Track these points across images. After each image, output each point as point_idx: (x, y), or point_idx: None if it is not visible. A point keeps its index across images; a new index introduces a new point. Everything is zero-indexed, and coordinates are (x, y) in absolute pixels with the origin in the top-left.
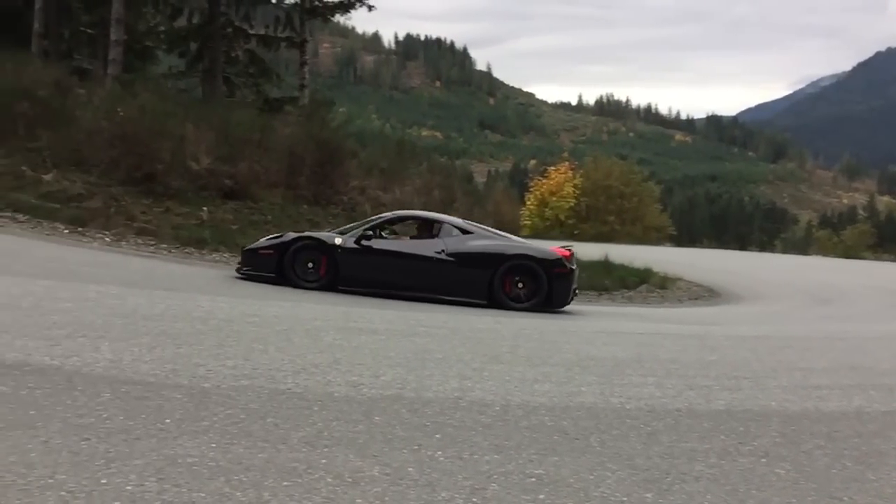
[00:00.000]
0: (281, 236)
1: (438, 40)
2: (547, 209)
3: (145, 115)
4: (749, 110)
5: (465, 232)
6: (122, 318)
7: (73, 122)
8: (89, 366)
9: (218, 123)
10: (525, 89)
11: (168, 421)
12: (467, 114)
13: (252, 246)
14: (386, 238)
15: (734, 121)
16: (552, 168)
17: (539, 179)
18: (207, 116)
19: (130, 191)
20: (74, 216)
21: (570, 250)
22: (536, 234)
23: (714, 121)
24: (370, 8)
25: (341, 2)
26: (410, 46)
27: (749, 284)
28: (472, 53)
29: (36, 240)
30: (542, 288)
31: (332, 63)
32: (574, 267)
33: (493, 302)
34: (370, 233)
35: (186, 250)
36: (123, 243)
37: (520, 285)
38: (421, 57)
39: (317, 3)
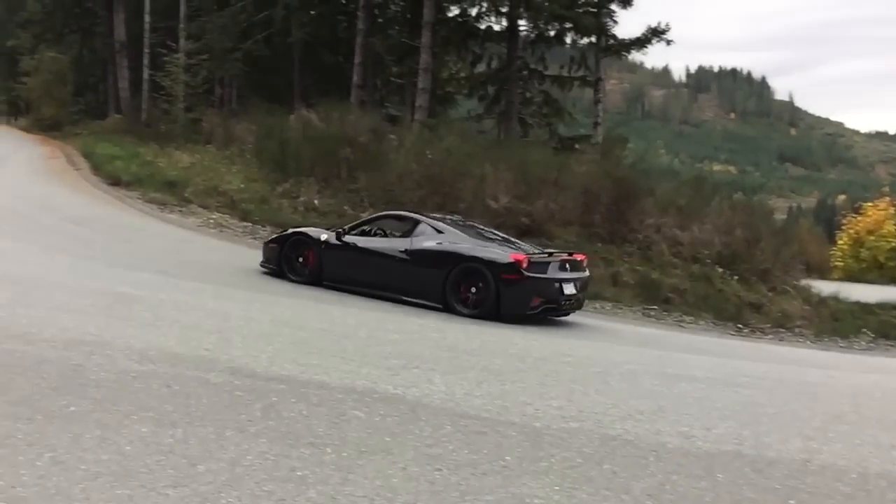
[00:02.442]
0: (286, 230)
1: (734, 70)
2: (863, 249)
3: (450, 157)
4: None
5: (438, 232)
6: (447, 352)
7: (386, 165)
8: (427, 397)
9: (515, 163)
10: (832, 118)
11: (509, 458)
12: (765, 146)
13: (267, 239)
14: (368, 237)
15: None
16: (868, 204)
17: (853, 217)
18: (505, 156)
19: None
20: None
21: (542, 256)
22: (851, 276)
23: None
24: (668, 42)
25: (638, 38)
26: (702, 78)
27: None
28: (771, 82)
29: None
30: (490, 294)
31: (619, 99)
32: (537, 275)
33: (446, 306)
34: (344, 229)
35: None
36: None
37: (472, 290)
38: (714, 89)
39: (612, 41)
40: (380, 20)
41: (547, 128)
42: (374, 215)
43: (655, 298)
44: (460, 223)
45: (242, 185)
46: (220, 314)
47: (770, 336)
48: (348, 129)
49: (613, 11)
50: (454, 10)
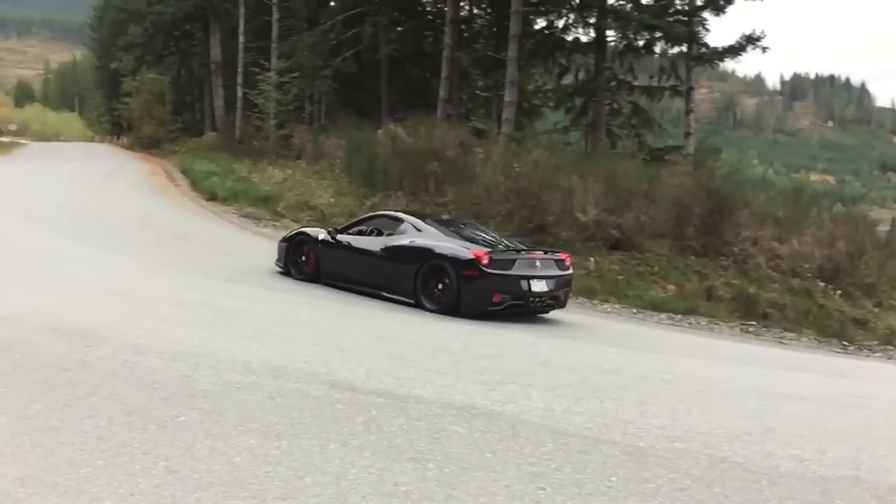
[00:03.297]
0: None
1: (831, 77)
2: None
3: (537, 170)
4: None
5: (417, 230)
6: (542, 367)
7: (473, 179)
8: (526, 413)
9: (604, 175)
10: None
11: (614, 479)
12: (865, 155)
13: (280, 239)
14: (358, 236)
15: None
16: None
17: None
18: (593, 169)
19: (524, 241)
20: None
21: (507, 253)
22: None
23: None
24: (764, 49)
25: (732, 46)
26: (798, 85)
27: None
28: (872, 89)
29: None
30: (452, 290)
31: (709, 108)
32: (499, 272)
33: (416, 302)
34: (336, 228)
35: (579, 300)
36: None
37: (439, 286)
38: (810, 96)
39: (704, 49)
40: (466, 34)
41: (636, 139)
42: (367, 215)
43: (753, 314)
44: (447, 222)
45: (332, 200)
46: (317, 327)
47: (878, 354)
48: (436, 143)
49: (705, 19)
50: (541, 23)
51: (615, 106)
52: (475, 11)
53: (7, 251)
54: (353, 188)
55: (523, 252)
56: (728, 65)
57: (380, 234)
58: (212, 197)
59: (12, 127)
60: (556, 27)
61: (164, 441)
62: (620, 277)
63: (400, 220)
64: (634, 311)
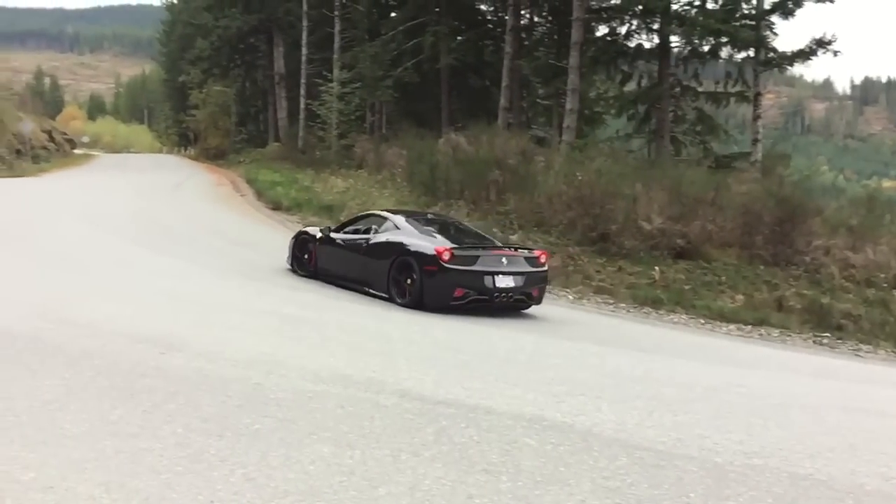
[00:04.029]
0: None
1: None
2: None
3: (600, 178)
4: None
5: (397, 228)
6: (610, 378)
7: (535, 187)
8: (598, 426)
9: (668, 183)
10: None
11: (692, 495)
12: None
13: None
14: (349, 234)
15: None
16: None
17: None
18: (658, 176)
19: (586, 250)
20: None
21: (470, 250)
22: None
23: None
24: (835, 53)
25: (801, 50)
26: (869, 90)
27: None
28: None
29: None
30: (416, 284)
31: (776, 114)
32: (460, 267)
33: (389, 296)
34: (330, 227)
35: (644, 310)
36: (584, 301)
37: (408, 281)
38: (882, 100)
39: (771, 54)
40: (526, 43)
41: (701, 146)
42: (360, 214)
43: (827, 325)
44: (429, 220)
45: (394, 209)
46: (382, 336)
47: None
48: (497, 151)
49: (773, 23)
50: (602, 30)
51: (679, 112)
52: (536, 19)
53: (83, 260)
54: (414, 197)
55: (490, 248)
56: (796, 69)
57: (367, 232)
58: (276, 206)
59: (85, 139)
60: (619, 34)
61: (239, 449)
62: (686, 287)
63: (384, 219)
64: (702, 321)
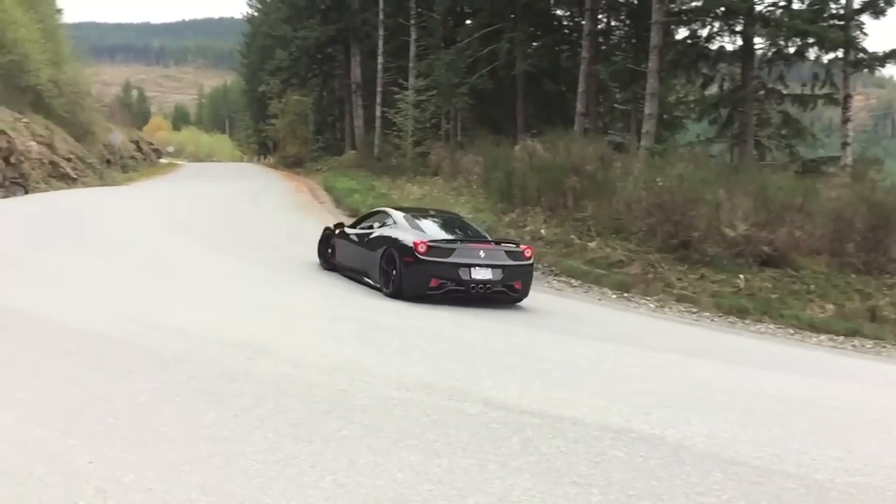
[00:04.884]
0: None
1: None
2: None
3: (681, 184)
4: None
5: (394, 222)
6: (699, 390)
7: (613, 193)
8: (689, 439)
9: (753, 188)
10: None
11: None
12: None
13: None
14: (359, 229)
15: None
16: None
17: None
18: (742, 182)
19: (667, 257)
20: (619, 282)
21: (447, 242)
22: None
23: None
24: None
25: (893, 50)
26: None
27: None
28: None
29: (590, 303)
30: (397, 275)
31: (865, 116)
32: (435, 259)
33: (379, 286)
34: (342, 223)
35: (729, 319)
36: (666, 309)
37: (394, 272)
38: None
39: (861, 55)
40: (603, 47)
41: (786, 150)
42: (370, 211)
43: None
44: (427, 216)
45: (470, 216)
46: (463, 343)
47: None
48: (574, 157)
49: (863, 23)
50: (683, 32)
51: (764, 116)
52: (613, 23)
53: (171, 266)
54: (490, 204)
55: (471, 242)
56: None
57: (374, 227)
58: (354, 213)
59: (170, 149)
60: (700, 36)
61: (328, 454)
62: (773, 296)
63: (388, 215)
64: (791, 331)
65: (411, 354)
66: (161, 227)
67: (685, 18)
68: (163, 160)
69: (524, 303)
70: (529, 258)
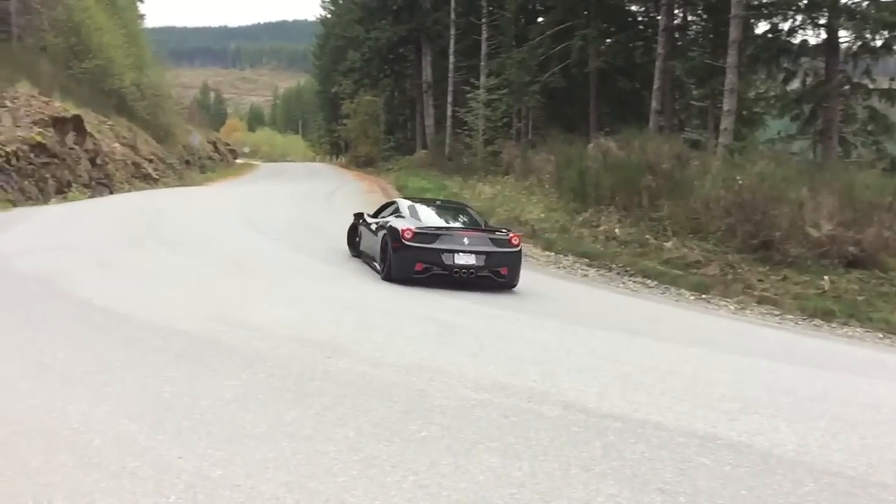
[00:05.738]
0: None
1: None
2: None
3: (762, 182)
4: None
5: (399, 211)
6: (786, 396)
7: (690, 192)
8: (778, 447)
9: (839, 186)
10: None
11: None
12: None
13: None
14: (376, 218)
15: None
16: None
17: None
18: (826, 180)
19: (746, 258)
20: (696, 283)
21: (432, 229)
22: None
23: None
24: None
25: None
26: None
27: None
28: None
29: (667, 305)
30: (387, 259)
31: None
32: (420, 245)
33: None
34: (363, 212)
35: (814, 322)
36: (747, 312)
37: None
38: None
39: None
40: (679, 43)
41: (873, 147)
42: (387, 202)
43: None
44: (431, 206)
45: (542, 215)
46: (539, 344)
47: None
48: (649, 155)
49: None
50: (763, 26)
51: (849, 111)
52: (690, 18)
53: (249, 264)
54: (563, 203)
55: (457, 230)
56: None
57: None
58: None
59: (246, 149)
60: (781, 30)
61: (409, 455)
62: (861, 298)
63: (397, 204)
64: (880, 336)
65: (487, 355)
66: (238, 226)
67: (766, 12)
68: (239, 160)
69: (601, 304)
70: (516, 245)
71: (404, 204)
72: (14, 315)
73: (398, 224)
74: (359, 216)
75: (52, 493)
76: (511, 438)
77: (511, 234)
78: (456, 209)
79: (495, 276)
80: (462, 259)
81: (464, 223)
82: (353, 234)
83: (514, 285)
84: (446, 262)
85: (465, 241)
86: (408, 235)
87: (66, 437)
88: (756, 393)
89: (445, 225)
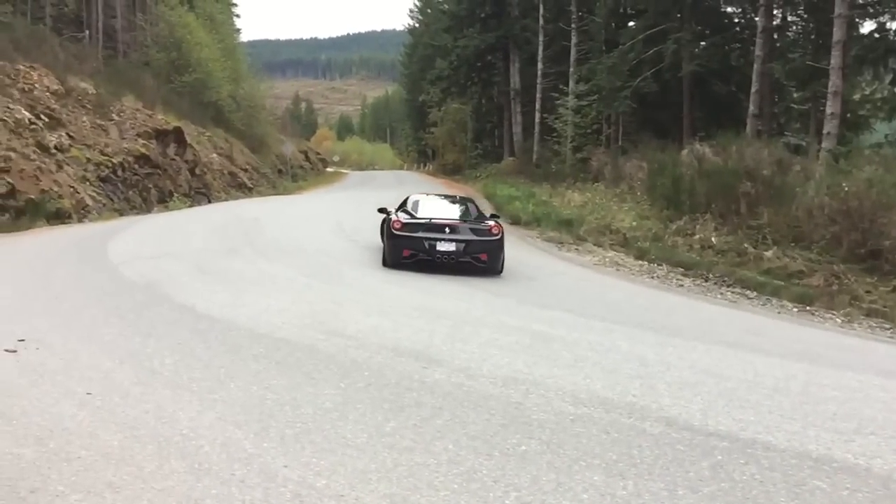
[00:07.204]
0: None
1: None
2: None
3: (870, 189)
4: None
5: (407, 205)
6: None
7: (791, 199)
8: None
9: None
10: None
11: None
12: None
13: None
14: (401, 211)
15: None
16: None
17: None
18: None
19: (853, 268)
20: (800, 294)
21: (418, 220)
22: None
23: None
24: None
25: None
26: None
27: None
28: None
29: (768, 317)
30: (384, 247)
31: None
32: (406, 234)
33: None
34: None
35: None
36: (855, 325)
37: None
38: None
39: None
40: (778, 44)
41: None
42: (406, 197)
43: None
44: (440, 200)
45: (634, 223)
46: (636, 357)
47: None
48: (748, 161)
49: None
50: (869, 26)
51: None
52: (790, 19)
53: (343, 272)
54: (656, 211)
55: (439, 220)
56: None
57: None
58: (515, 221)
59: (336, 158)
60: (889, 29)
61: (510, 470)
62: None
63: (408, 200)
64: None
65: (584, 368)
66: (330, 234)
67: (872, 11)
68: (329, 169)
69: (699, 317)
70: (496, 234)
71: (412, 199)
72: (124, 321)
73: (393, 216)
74: (382, 210)
75: (167, 499)
76: (613, 455)
77: (492, 225)
78: (458, 204)
79: (476, 262)
80: (443, 246)
81: (456, 216)
82: (384, 228)
83: (499, 271)
84: (429, 249)
85: (447, 230)
86: (397, 226)
87: (176, 442)
88: (871, 412)
89: (431, 217)
